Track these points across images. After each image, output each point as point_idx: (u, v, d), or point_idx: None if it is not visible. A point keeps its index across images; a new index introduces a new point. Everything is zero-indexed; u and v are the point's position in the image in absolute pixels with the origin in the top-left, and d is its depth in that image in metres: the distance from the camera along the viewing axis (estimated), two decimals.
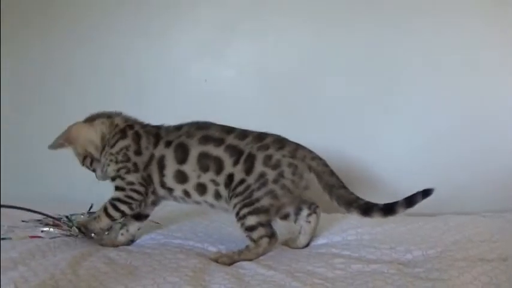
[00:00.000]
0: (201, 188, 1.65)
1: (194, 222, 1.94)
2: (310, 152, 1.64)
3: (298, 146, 1.64)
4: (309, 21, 2.45)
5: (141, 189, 1.65)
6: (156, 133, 1.69)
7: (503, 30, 2.30)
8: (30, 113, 2.65)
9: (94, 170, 1.74)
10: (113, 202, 1.67)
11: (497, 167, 2.28)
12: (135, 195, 1.65)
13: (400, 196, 1.54)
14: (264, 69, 2.43)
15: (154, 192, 1.69)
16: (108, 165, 1.68)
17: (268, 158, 1.59)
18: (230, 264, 1.52)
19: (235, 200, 1.59)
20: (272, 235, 1.58)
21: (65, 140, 1.69)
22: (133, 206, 1.66)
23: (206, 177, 1.63)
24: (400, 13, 2.36)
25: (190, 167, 1.63)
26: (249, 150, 1.61)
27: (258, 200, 1.57)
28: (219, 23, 2.51)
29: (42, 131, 2.42)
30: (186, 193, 1.66)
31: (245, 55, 2.51)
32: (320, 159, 1.63)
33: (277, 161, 1.59)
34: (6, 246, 1.55)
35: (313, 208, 1.70)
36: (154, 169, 1.66)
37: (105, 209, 1.67)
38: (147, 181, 1.67)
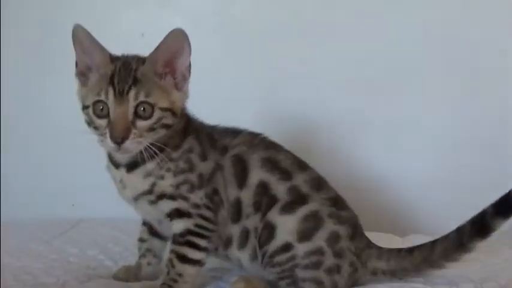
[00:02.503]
0: (244, 237, 1.28)
1: None
2: (379, 249, 1.29)
3: (369, 243, 1.30)
4: None
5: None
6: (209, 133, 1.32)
7: None
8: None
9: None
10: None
11: None
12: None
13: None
14: (225, 19, 1.99)
15: None
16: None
17: (335, 237, 1.23)
18: None
19: (270, 270, 1.24)
20: None
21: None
22: None
23: (252, 221, 1.27)
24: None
25: (247, 196, 1.27)
26: (318, 208, 1.24)
27: (301, 280, 1.21)
28: None
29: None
30: (228, 241, 1.30)
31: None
32: (389, 251, 1.29)
33: (341, 249, 1.24)
34: None
35: None
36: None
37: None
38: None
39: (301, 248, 1.22)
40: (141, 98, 1.14)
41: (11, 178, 2.15)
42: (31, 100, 2.16)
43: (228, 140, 1.31)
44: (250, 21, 2.01)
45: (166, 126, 1.19)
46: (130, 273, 1.37)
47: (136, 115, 1.14)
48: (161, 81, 1.19)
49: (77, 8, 2.05)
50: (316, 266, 1.22)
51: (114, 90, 1.14)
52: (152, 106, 1.15)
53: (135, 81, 1.15)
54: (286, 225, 1.23)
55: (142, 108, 1.14)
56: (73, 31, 1.19)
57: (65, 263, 1.47)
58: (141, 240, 1.40)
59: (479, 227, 1.21)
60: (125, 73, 1.16)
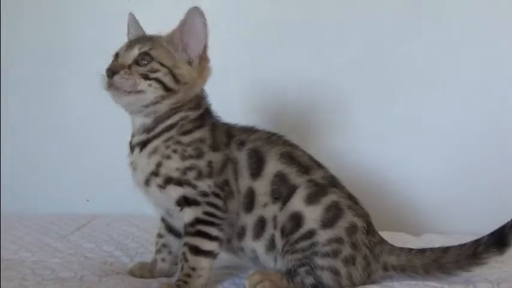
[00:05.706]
0: (259, 227, 1.25)
1: None
2: (391, 246, 1.29)
3: (382, 239, 1.30)
4: None
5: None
6: (228, 129, 1.32)
7: None
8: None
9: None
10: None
11: None
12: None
13: None
14: (243, 17, 1.95)
15: None
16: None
17: (353, 228, 1.23)
18: None
19: (290, 257, 1.22)
20: None
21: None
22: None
23: (270, 211, 1.24)
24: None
25: (262, 185, 1.25)
26: (337, 199, 1.24)
27: (319, 268, 1.21)
28: None
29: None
30: (242, 232, 1.27)
31: None
32: (401, 249, 1.28)
33: (357, 241, 1.23)
34: None
35: None
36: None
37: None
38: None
39: (323, 235, 1.21)
40: (144, 48, 1.24)
41: (26, 173, 2.13)
42: (45, 96, 2.13)
43: (245, 135, 1.30)
44: (267, 22, 1.98)
45: (162, 84, 1.23)
46: (145, 269, 1.35)
47: (136, 63, 1.24)
48: (174, 51, 1.26)
49: (87, 6, 2.04)
50: (335, 254, 1.21)
51: (128, 43, 1.29)
52: (152, 58, 1.23)
53: (147, 40, 1.27)
54: (314, 215, 1.22)
55: (143, 59, 1.23)
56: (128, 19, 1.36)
57: (82, 258, 1.46)
58: (159, 235, 1.39)
59: (497, 237, 1.20)
60: (144, 36, 1.31)
